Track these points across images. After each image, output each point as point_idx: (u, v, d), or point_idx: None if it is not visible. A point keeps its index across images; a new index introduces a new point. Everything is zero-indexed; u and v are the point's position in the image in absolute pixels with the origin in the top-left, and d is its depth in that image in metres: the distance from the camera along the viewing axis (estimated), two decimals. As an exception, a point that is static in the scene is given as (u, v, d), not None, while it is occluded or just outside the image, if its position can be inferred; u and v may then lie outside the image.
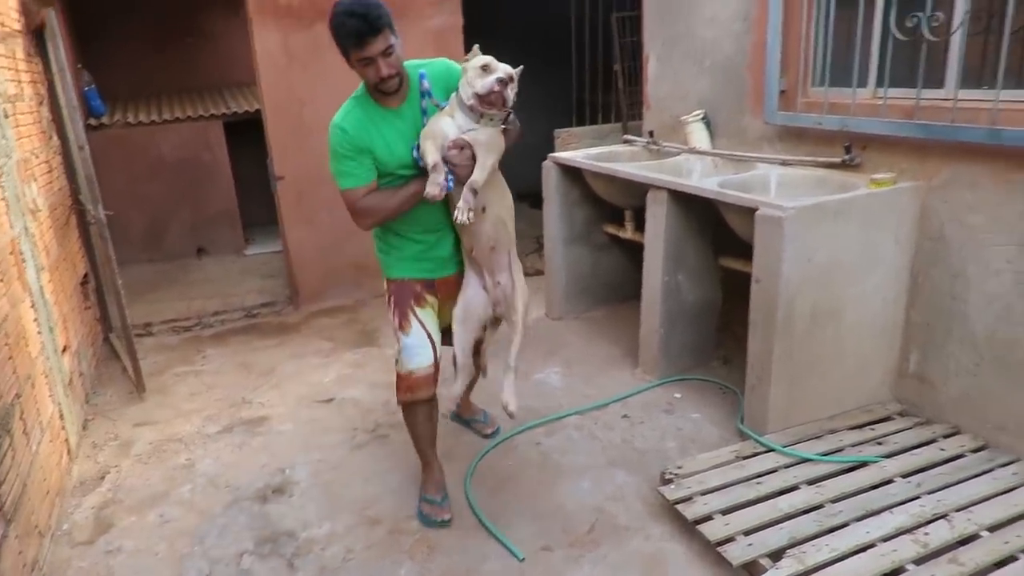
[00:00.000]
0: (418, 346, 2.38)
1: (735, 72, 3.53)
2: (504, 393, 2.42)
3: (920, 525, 2.19)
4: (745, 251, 2.90)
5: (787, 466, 2.55)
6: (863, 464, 2.52)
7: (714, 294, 3.53)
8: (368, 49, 2.04)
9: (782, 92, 3.25)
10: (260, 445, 3.12)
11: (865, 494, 2.36)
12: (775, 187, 3.20)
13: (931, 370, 2.81)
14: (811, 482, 2.44)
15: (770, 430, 2.75)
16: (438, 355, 2.43)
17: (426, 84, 2.24)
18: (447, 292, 2.48)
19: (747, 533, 2.21)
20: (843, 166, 2.99)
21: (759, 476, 2.50)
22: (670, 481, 2.50)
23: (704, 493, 2.41)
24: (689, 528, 2.32)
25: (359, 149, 2.19)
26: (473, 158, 2.15)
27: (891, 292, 2.81)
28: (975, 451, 2.57)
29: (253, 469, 2.93)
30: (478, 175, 2.15)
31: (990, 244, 2.53)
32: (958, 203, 2.62)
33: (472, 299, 2.45)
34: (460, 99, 2.16)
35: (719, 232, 3.29)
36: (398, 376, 2.43)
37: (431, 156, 2.14)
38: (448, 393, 2.58)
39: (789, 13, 3.15)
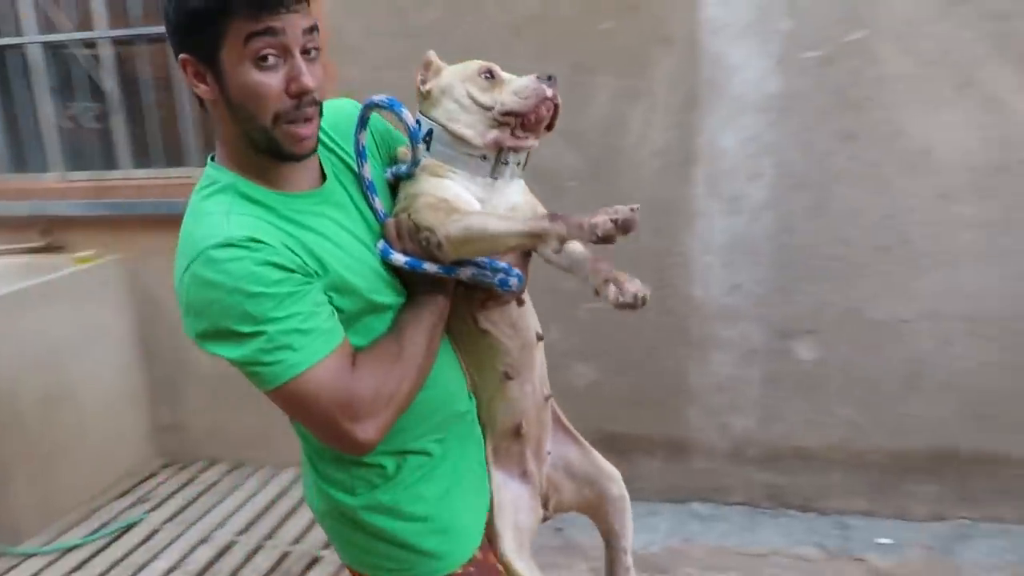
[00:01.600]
0: None
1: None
2: None
3: (185, 556, 2.42)
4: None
5: (54, 562, 2.43)
6: (130, 526, 2.61)
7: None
8: (279, 19, 0.89)
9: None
10: None
11: (135, 553, 2.46)
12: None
13: (182, 417, 3.10)
14: (78, 567, 2.40)
15: (28, 535, 2.56)
16: None
17: (364, 138, 1.07)
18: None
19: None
20: (47, 249, 3.00)
21: (20, 588, 2.31)
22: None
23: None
24: None
25: (304, 273, 0.94)
26: None
27: (123, 359, 2.97)
28: (231, 471, 2.97)
29: None
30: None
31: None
32: (159, 268, 2.96)
33: (518, 503, 1.24)
34: (455, 143, 1.06)
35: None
36: None
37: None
38: None
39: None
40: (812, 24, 2.12)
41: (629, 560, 1.32)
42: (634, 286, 0.91)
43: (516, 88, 1.03)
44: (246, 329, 0.88)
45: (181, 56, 0.91)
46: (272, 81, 0.89)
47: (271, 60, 0.89)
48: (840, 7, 2.09)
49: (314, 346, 0.90)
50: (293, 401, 0.92)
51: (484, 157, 1.04)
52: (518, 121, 1.02)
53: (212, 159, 1.01)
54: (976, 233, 2.17)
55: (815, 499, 2.49)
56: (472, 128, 1.04)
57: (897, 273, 2.25)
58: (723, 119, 2.24)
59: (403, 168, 1.08)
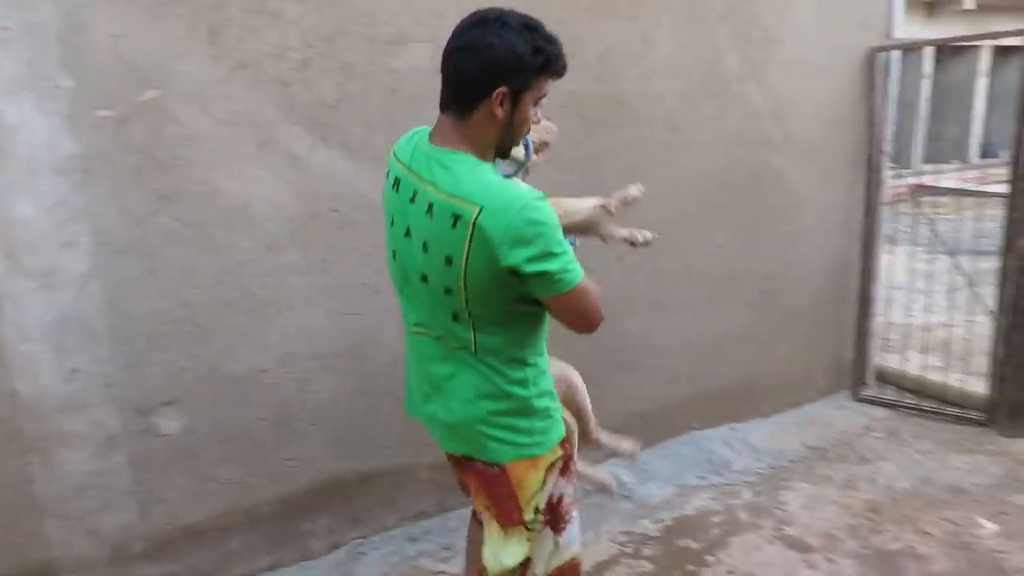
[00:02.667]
0: None
1: None
2: None
3: None
4: None
5: None
6: None
7: None
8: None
9: None
10: None
11: None
12: None
13: None
14: None
15: None
16: None
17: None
18: None
19: None
20: None
21: None
22: None
23: None
24: None
25: None
26: None
27: None
28: None
29: None
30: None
31: None
32: None
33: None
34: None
35: None
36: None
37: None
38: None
39: None
40: (97, 82, 1.99)
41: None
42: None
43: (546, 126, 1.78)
44: (559, 250, 1.35)
45: (500, 88, 1.36)
46: (535, 117, 1.48)
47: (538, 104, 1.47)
48: (123, 66, 2.01)
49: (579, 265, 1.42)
50: (577, 295, 1.40)
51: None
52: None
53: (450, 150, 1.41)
54: (305, 278, 2.35)
55: (218, 572, 2.36)
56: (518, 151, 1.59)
57: (246, 326, 2.29)
58: (13, 184, 1.94)
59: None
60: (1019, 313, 3.19)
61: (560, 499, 1.58)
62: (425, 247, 1.41)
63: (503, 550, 1.55)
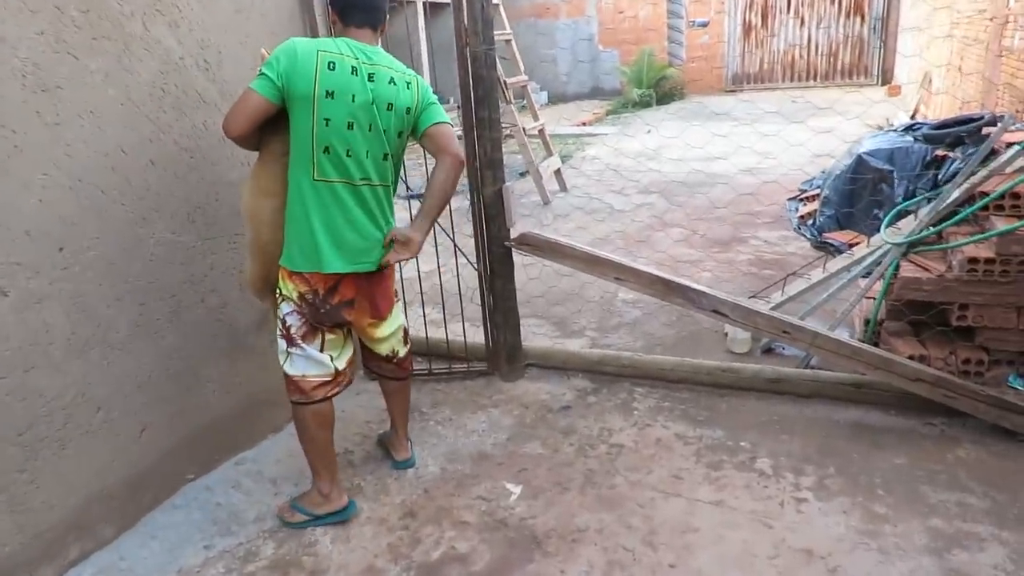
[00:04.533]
0: None
1: None
2: None
3: None
4: None
5: None
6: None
7: None
8: None
9: None
10: None
11: None
12: None
13: None
14: None
15: None
16: None
17: None
18: None
19: None
20: None
21: None
22: None
23: None
24: None
25: None
26: None
27: None
28: None
29: None
30: None
31: None
32: None
33: None
34: None
35: None
36: None
37: None
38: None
39: None
40: None
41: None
42: None
43: None
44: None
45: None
46: None
47: None
48: None
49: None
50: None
51: None
52: None
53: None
54: None
55: None
56: None
57: None
58: None
59: None
60: (496, 261, 3.21)
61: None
62: (389, 107, 2.18)
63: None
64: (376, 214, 2.25)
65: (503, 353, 3.33)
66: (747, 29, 15.56)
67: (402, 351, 2.59)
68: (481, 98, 2.99)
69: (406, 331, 2.63)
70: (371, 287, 2.34)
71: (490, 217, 3.15)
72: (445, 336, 3.52)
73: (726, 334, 3.61)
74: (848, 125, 7.71)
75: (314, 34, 3.01)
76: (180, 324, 2.54)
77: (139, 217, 2.35)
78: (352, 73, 2.11)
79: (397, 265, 2.44)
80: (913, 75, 10.47)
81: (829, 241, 4.80)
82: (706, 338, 3.70)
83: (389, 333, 2.51)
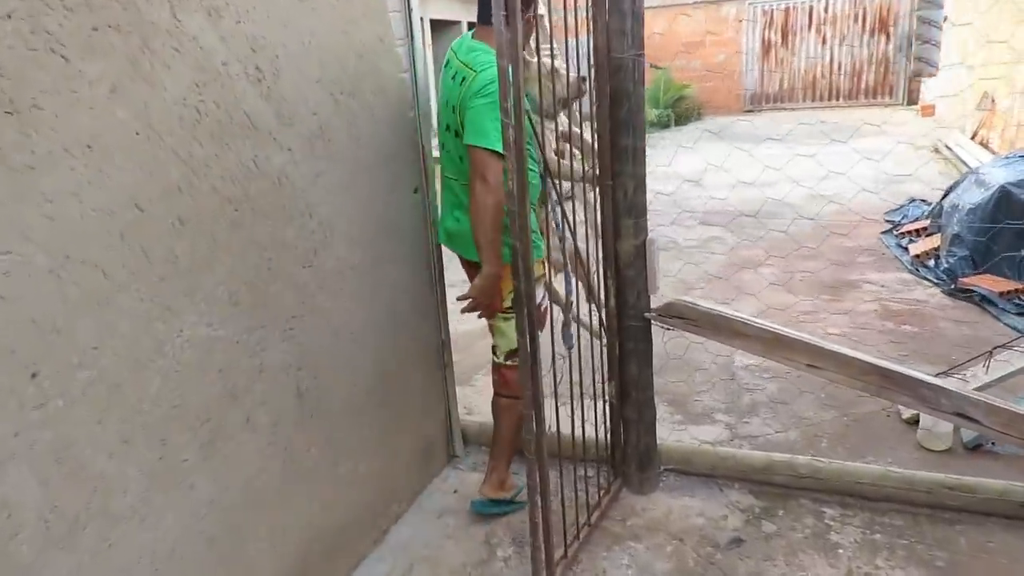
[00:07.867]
0: None
1: None
2: None
3: None
4: None
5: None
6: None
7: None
8: None
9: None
10: None
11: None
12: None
13: None
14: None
15: None
16: None
17: None
18: None
19: None
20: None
21: None
22: None
23: None
24: None
25: None
26: None
27: None
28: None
29: None
30: None
31: None
32: None
33: None
34: None
35: None
36: None
37: None
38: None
39: None
40: None
41: None
42: None
43: None
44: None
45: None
46: None
47: None
48: None
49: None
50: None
51: None
52: None
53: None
54: None
55: None
56: None
57: None
58: None
59: None
60: (631, 338, 2.38)
61: None
62: (448, 104, 2.12)
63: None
64: (465, 209, 2.18)
65: (635, 457, 2.49)
66: (766, 48, 14.97)
67: (498, 354, 2.37)
68: (624, 121, 2.18)
69: (510, 352, 2.30)
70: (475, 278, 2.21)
71: (626, 280, 2.33)
72: (556, 430, 2.67)
73: (906, 419, 2.80)
74: (890, 145, 6.93)
75: (409, 32, 2.22)
76: (216, 463, 1.68)
77: (161, 308, 1.51)
78: (446, 74, 2.14)
79: (502, 284, 2.19)
80: (947, 92, 9.83)
81: (972, 288, 4.01)
82: (880, 425, 2.87)
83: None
